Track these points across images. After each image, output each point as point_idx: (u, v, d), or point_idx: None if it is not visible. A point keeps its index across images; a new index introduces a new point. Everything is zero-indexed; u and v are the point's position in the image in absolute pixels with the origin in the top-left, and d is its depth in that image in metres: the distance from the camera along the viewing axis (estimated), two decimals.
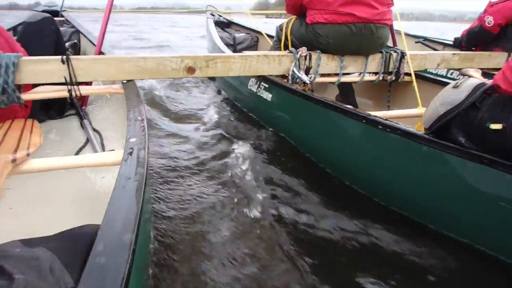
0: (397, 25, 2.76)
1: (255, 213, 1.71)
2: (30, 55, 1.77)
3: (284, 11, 2.62)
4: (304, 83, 2.25)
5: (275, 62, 2.22)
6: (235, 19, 5.64)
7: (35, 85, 1.81)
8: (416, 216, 1.65)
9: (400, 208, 1.70)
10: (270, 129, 2.59)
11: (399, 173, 1.64)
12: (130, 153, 1.05)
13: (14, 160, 1.13)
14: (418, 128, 1.77)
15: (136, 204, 0.79)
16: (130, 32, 12.83)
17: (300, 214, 1.72)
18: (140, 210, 0.77)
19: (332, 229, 1.62)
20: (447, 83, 1.76)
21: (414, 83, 2.19)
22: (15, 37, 2.27)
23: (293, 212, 1.74)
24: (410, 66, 2.41)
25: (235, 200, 1.81)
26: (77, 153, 1.80)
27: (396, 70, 2.50)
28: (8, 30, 3.43)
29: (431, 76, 2.61)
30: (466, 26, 3.66)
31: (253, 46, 4.68)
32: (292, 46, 2.49)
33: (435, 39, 4.60)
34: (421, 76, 2.56)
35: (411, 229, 1.61)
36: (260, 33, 4.46)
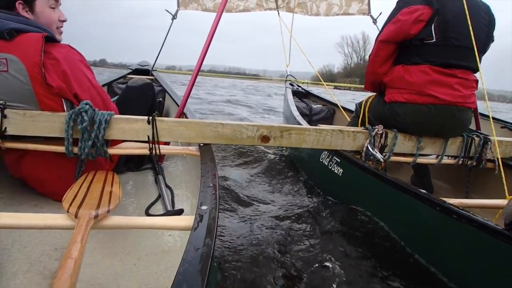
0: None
1: None
2: (126, 113, 1.89)
3: (356, 84, 2.65)
4: (378, 161, 2.21)
5: (349, 138, 2.22)
6: (313, 89, 5.83)
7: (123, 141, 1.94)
8: None
9: None
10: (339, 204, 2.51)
11: (475, 268, 1.51)
12: (200, 221, 1.07)
13: (96, 216, 1.19)
14: (496, 220, 1.64)
15: (201, 279, 0.79)
16: None
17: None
18: (206, 283, 0.78)
19: None
20: None
21: (497, 171, 2.05)
22: (116, 97, 2.56)
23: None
24: (497, 152, 2.27)
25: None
26: (149, 207, 1.88)
27: (477, 155, 2.38)
28: (103, 85, 3.90)
29: None
30: None
31: (329, 118, 4.75)
32: (369, 123, 2.49)
33: None
34: (505, 164, 2.40)
35: None
36: (336, 105, 4.53)
